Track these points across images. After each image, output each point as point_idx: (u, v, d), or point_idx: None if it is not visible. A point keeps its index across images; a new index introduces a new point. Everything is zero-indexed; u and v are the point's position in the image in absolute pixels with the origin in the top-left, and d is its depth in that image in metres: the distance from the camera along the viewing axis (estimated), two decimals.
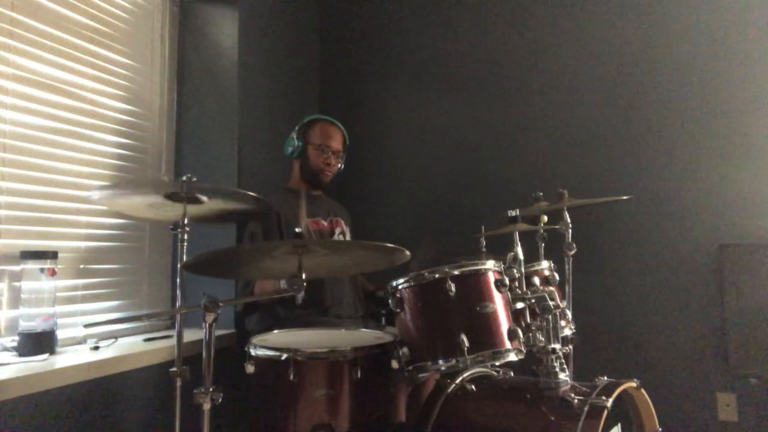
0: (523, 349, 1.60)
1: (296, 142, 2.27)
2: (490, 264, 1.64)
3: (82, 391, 1.61)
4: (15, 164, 1.69)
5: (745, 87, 2.52)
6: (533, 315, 1.69)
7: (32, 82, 1.75)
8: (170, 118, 2.36)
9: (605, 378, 1.57)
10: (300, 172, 2.31)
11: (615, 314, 2.62)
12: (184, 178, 1.46)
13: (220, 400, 1.31)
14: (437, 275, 1.58)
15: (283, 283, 1.49)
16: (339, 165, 2.32)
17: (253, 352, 1.57)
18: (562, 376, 1.58)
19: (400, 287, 1.65)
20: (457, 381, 1.68)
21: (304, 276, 1.32)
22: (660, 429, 1.70)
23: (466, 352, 1.51)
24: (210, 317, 1.28)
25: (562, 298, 2.05)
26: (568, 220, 2.13)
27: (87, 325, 1.73)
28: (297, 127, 2.30)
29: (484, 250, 2.10)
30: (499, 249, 1.89)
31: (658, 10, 2.67)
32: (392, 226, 3.01)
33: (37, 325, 1.61)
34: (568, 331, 1.91)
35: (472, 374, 1.72)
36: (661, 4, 2.67)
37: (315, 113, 2.41)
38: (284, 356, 1.50)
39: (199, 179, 1.48)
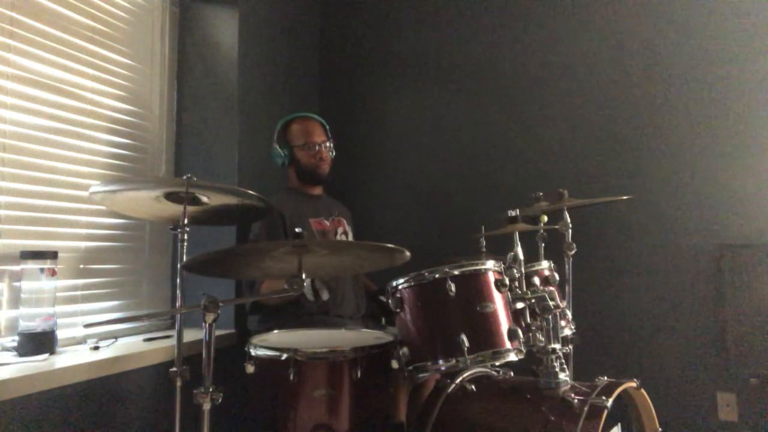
0: (523, 349, 1.60)
1: (281, 151, 2.25)
2: (490, 264, 1.64)
3: (82, 391, 1.61)
4: (15, 164, 1.69)
5: (745, 87, 2.52)
6: (533, 315, 1.69)
7: (32, 82, 1.75)
8: (170, 118, 2.36)
9: (605, 378, 1.57)
10: (297, 176, 2.29)
11: (615, 314, 2.62)
12: (185, 177, 1.46)
13: (220, 400, 1.31)
14: (437, 275, 1.58)
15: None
16: (331, 153, 2.30)
17: (253, 352, 1.57)
18: (562, 376, 1.58)
19: (400, 287, 1.65)
20: (457, 381, 1.68)
21: (304, 275, 1.32)
22: (660, 429, 1.70)
23: (466, 352, 1.51)
24: (210, 317, 1.28)
25: (562, 298, 2.05)
26: (568, 220, 2.13)
27: (87, 325, 1.73)
28: (275, 136, 2.27)
29: (484, 250, 2.10)
30: (499, 249, 1.89)
31: (659, 10, 2.67)
32: (392, 226, 3.01)
33: (37, 325, 1.61)
34: (568, 331, 1.91)
35: (472, 374, 1.72)
36: (662, 4, 2.67)
37: (315, 113, 2.41)
38: (284, 356, 1.50)
39: (200, 179, 1.48)
